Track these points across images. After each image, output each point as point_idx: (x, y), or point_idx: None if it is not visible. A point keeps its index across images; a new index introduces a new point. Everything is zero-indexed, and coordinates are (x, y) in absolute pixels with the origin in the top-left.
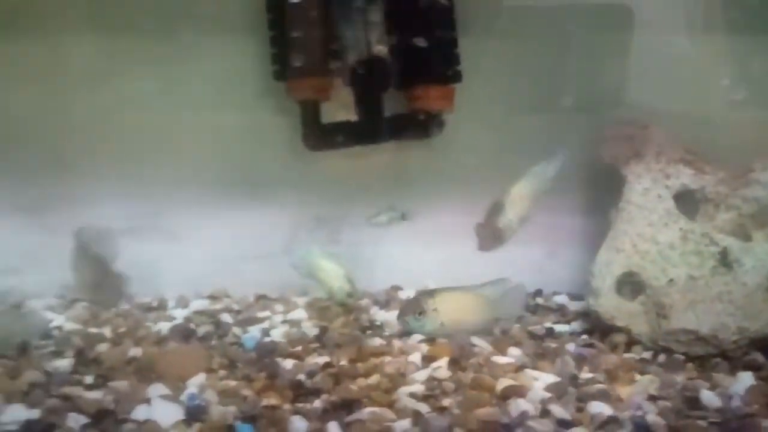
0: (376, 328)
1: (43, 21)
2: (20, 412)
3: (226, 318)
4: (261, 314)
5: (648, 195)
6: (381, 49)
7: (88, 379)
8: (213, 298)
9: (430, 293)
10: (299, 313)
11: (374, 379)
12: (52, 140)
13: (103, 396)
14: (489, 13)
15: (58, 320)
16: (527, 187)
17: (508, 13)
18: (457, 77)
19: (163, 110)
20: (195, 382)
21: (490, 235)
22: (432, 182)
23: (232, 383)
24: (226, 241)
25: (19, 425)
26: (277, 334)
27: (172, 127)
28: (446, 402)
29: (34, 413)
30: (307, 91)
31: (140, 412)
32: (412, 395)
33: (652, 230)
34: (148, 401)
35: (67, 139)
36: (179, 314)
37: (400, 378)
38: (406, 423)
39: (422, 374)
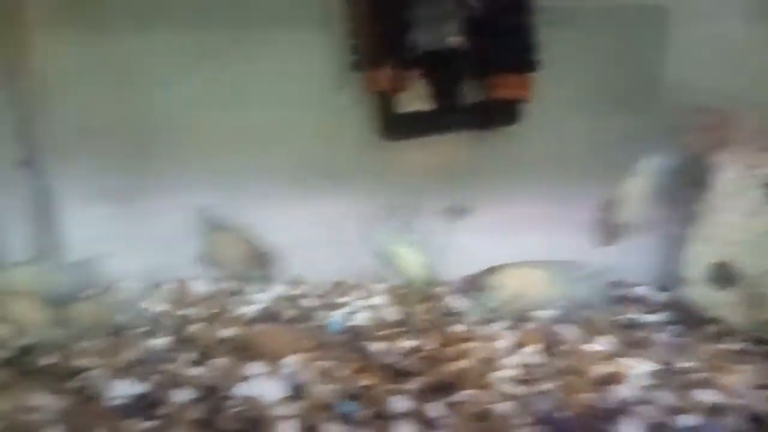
0: (456, 315)
1: (129, 17)
2: (128, 387)
3: (307, 303)
4: (341, 300)
5: (737, 184)
6: (455, 39)
7: (186, 357)
8: (291, 283)
9: (494, 269)
10: (379, 299)
11: (466, 363)
12: (138, 133)
13: (205, 373)
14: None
15: (146, 303)
16: (642, 183)
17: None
18: (535, 66)
19: (241, 103)
20: (289, 363)
21: (609, 231)
22: (505, 173)
23: (326, 364)
24: (302, 230)
25: (129, 398)
26: (361, 319)
27: (248, 119)
28: (544, 386)
29: (142, 388)
30: (382, 82)
31: (243, 389)
32: (507, 379)
33: (743, 219)
34: (248, 379)
35: (151, 132)
36: (260, 298)
37: (491, 362)
38: (506, 405)
39: (513, 359)
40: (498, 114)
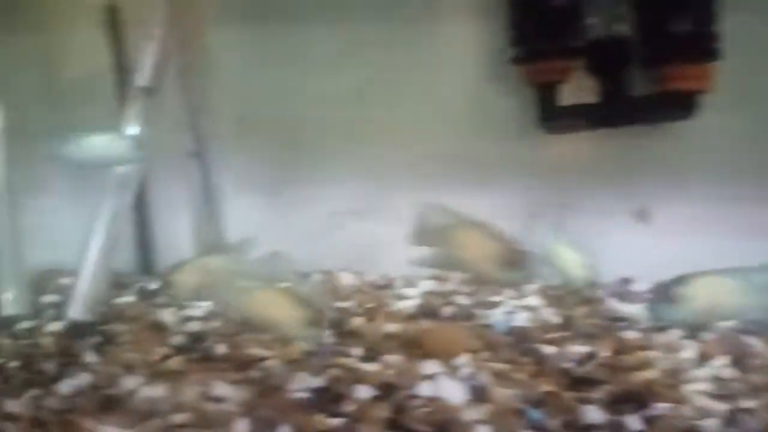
0: (621, 320)
1: (282, 7)
2: (307, 380)
3: (461, 300)
4: (494, 298)
5: None
6: (621, 28)
7: (355, 352)
8: (437, 279)
9: (684, 279)
10: (533, 300)
11: (651, 373)
12: (290, 124)
13: (380, 370)
14: None
15: None
16: None
17: None
18: (716, 54)
19: (395, 95)
20: (461, 363)
21: None
22: (670, 171)
23: (499, 366)
24: None
25: (309, 393)
26: (521, 320)
27: (402, 111)
28: (747, 404)
29: (320, 382)
30: (547, 74)
31: (424, 389)
32: (702, 393)
33: None
34: (428, 378)
35: (302, 123)
36: (410, 293)
37: (678, 374)
38: (712, 422)
39: (702, 372)
40: (672, 107)
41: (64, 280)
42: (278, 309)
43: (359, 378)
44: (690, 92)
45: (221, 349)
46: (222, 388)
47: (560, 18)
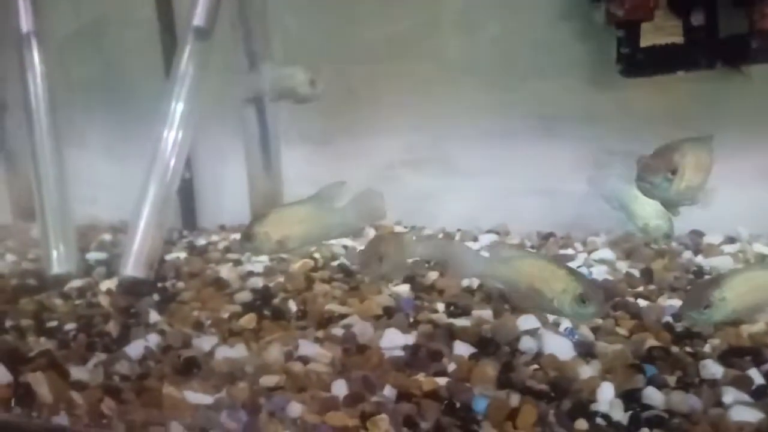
0: (701, 273)
1: None
2: (395, 337)
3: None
4: (565, 252)
5: None
6: None
7: (440, 307)
8: (497, 233)
9: (716, 281)
10: (606, 253)
11: (758, 327)
12: (341, 70)
13: (472, 324)
14: None
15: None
16: None
17: None
18: None
19: (453, 35)
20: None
21: None
22: (756, 116)
23: (598, 321)
24: (509, 177)
25: (402, 350)
26: (599, 273)
27: (462, 52)
28: None
29: (410, 339)
30: (631, 11)
31: (526, 344)
32: None
33: None
34: (529, 333)
35: (354, 69)
36: (475, 246)
37: None
38: None
39: None
40: (763, 48)
41: (106, 236)
42: (548, 281)
43: (452, 333)
44: None
45: (292, 306)
46: (307, 347)
47: None
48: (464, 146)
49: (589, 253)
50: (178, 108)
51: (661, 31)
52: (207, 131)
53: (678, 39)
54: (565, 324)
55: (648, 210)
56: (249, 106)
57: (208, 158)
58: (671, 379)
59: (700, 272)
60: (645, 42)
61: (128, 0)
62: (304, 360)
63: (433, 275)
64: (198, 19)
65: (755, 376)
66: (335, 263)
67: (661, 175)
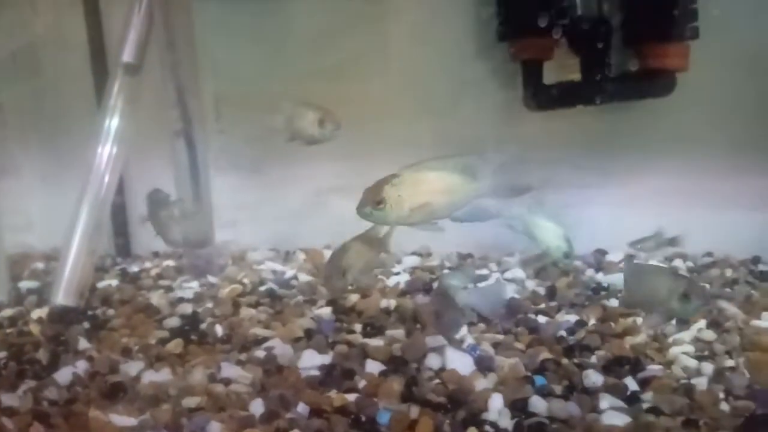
0: (603, 290)
1: None
2: (312, 357)
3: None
4: (479, 272)
5: None
6: (606, 6)
7: (357, 327)
8: (420, 255)
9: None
10: (517, 272)
11: (640, 338)
12: (271, 101)
13: (385, 343)
14: None
15: (288, 272)
16: None
17: None
18: (693, 34)
19: (378, 70)
20: (465, 335)
21: None
22: (648, 144)
23: (499, 337)
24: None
25: (318, 370)
26: (508, 292)
27: (385, 88)
28: (729, 362)
29: (326, 359)
30: (531, 51)
31: (432, 361)
32: (688, 354)
33: None
34: (435, 350)
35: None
36: (397, 269)
37: (663, 338)
38: (702, 381)
39: (686, 335)
40: (652, 84)
41: (39, 264)
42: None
43: (365, 353)
44: (668, 70)
45: (219, 330)
46: (229, 370)
47: None
48: (389, 172)
49: (503, 272)
50: (108, 141)
51: (562, 69)
52: (140, 160)
53: (577, 76)
54: (469, 341)
55: (548, 233)
56: (179, 136)
57: (141, 186)
58: (558, 388)
59: (598, 288)
60: (548, 79)
61: (60, 24)
62: (226, 382)
63: (353, 297)
64: (127, 55)
65: (630, 383)
66: (263, 288)
67: (370, 206)
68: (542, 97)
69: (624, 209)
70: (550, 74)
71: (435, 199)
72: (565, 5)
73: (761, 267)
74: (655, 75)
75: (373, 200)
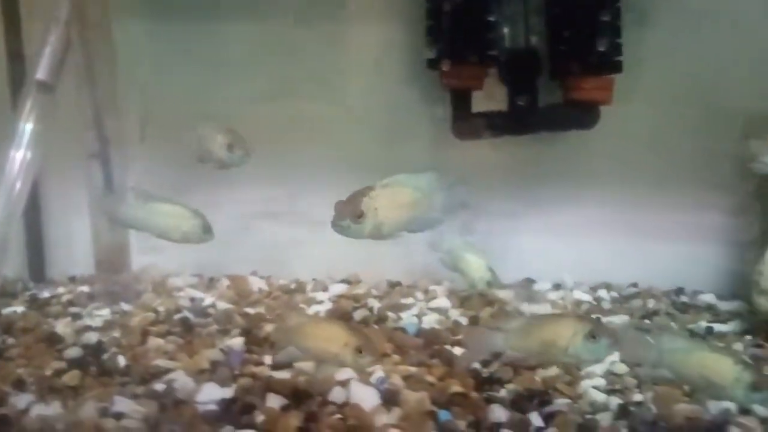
0: None
1: (202, 8)
2: (213, 391)
3: (373, 303)
4: (404, 301)
5: None
6: (535, 38)
7: (268, 359)
8: (348, 282)
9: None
10: (443, 302)
11: (553, 371)
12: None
13: (293, 377)
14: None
15: (207, 299)
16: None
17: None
18: (616, 68)
19: (309, 97)
20: (377, 367)
21: None
22: (575, 175)
23: (411, 369)
24: None
25: (216, 404)
26: (430, 322)
27: (316, 114)
28: (638, 397)
29: (227, 392)
30: (460, 80)
31: (336, 395)
32: (598, 389)
33: None
34: (341, 384)
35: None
36: (323, 297)
37: (577, 371)
38: (607, 416)
39: (599, 368)
40: (576, 117)
41: None
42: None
43: (269, 387)
44: (592, 103)
45: (122, 361)
46: (123, 404)
47: (476, 26)
48: (318, 199)
49: (428, 301)
50: (17, 160)
51: (491, 99)
52: (55, 183)
53: (504, 107)
54: (379, 374)
55: (472, 264)
56: (95, 158)
57: (56, 210)
58: (462, 424)
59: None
60: (477, 107)
61: None
62: (118, 416)
63: (268, 327)
64: (41, 73)
65: (535, 419)
66: (177, 316)
67: (348, 220)
68: (470, 125)
69: (551, 238)
70: (482, 103)
71: (404, 212)
72: (493, 36)
73: (683, 298)
74: (579, 107)
75: (352, 213)
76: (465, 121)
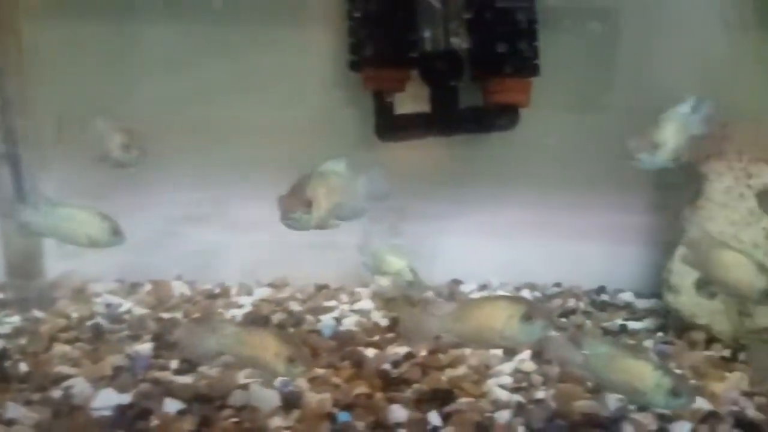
0: None
1: (120, 5)
2: (111, 396)
3: (294, 306)
4: (327, 304)
5: (730, 193)
6: (456, 40)
7: (174, 364)
8: (274, 286)
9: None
10: (366, 304)
11: (461, 370)
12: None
13: (195, 381)
14: (567, 7)
15: (125, 305)
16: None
17: (585, 8)
18: (534, 71)
19: (233, 99)
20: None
21: None
22: (499, 176)
23: (320, 371)
24: (287, 231)
25: (112, 410)
26: (349, 324)
27: (240, 116)
28: (540, 394)
29: (126, 398)
30: (382, 82)
31: (237, 398)
32: (503, 387)
33: (734, 229)
34: (242, 387)
35: (137, 124)
36: (245, 301)
37: (485, 370)
38: (505, 414)
39: (507, 366)
40: (496, 118)
41: None
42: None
43: (169, 391)
44: (511, 105)
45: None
46: (14, 410)
47: (397, 28)
48: (244, 202)
49: (352, 303)
50: None
51: (414, 101)
52: None
53: (427, 108)
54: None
55: (393, 266)
56: (2, 161)
57: None
58: (361, 425)
59: None
60: (400, 109)
61: None
62: (9, 422)
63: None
64: None
65: (434, 418)
66: (90, 323)
67: (299, 211)
68: (393, 127)
69: (478, 240)
70: (408, 105)
71: (341, 199)
72: (415, 38)
73: (603, 297)
74: (499, 109)
75: (300, 204)
76: (387, 123)
